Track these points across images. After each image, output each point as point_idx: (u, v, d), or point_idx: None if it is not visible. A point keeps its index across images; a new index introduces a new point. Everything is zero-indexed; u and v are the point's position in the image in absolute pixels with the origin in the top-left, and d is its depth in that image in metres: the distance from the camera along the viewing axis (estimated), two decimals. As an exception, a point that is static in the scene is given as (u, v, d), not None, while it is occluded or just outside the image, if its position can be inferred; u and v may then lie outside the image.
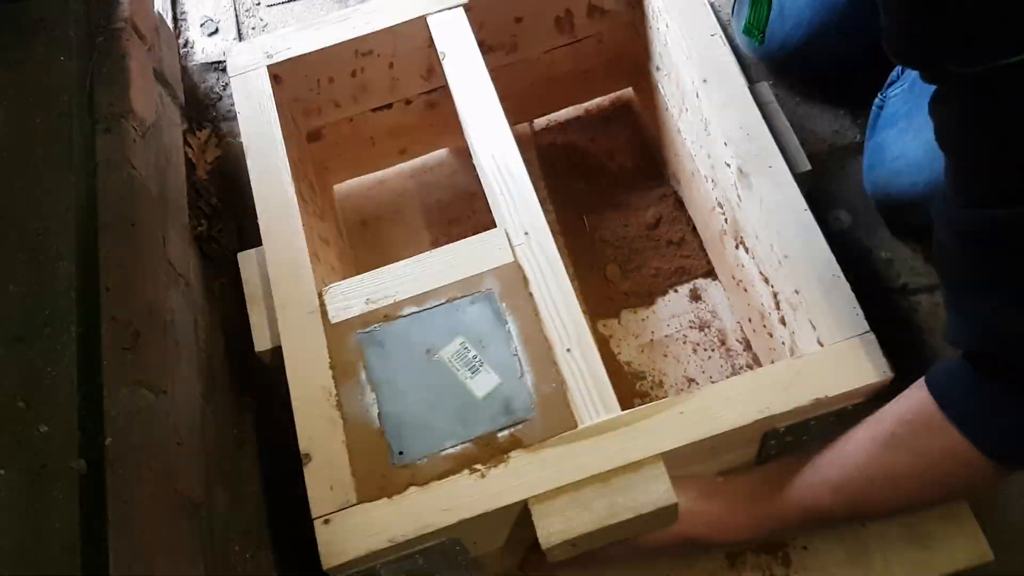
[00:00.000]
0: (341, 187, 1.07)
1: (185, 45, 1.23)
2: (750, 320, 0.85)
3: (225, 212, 1.07)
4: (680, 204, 0.98)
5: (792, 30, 0.97)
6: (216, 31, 1.24)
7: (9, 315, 0.76)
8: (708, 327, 0.91)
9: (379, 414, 0.70)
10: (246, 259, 0.81)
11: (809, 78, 1.06)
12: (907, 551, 0.78)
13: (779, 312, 0.76)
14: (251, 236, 0.85)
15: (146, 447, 0.74)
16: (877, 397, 0.68)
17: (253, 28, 1.25)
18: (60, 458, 0.70)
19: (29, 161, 0.84)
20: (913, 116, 0.87)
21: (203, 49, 1.23)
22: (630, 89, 1.08)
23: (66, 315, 0.76)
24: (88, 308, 0.78)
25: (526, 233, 0.76)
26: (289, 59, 0.88)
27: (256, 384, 0.97)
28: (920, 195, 0.84)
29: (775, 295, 0.76)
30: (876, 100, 0.92)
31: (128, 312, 0.80)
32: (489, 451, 0.67)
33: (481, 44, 0.89)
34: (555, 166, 1.04)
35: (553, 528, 0.64)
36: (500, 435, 0.68)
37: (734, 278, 0.86)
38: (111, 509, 0.70)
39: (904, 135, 0.87)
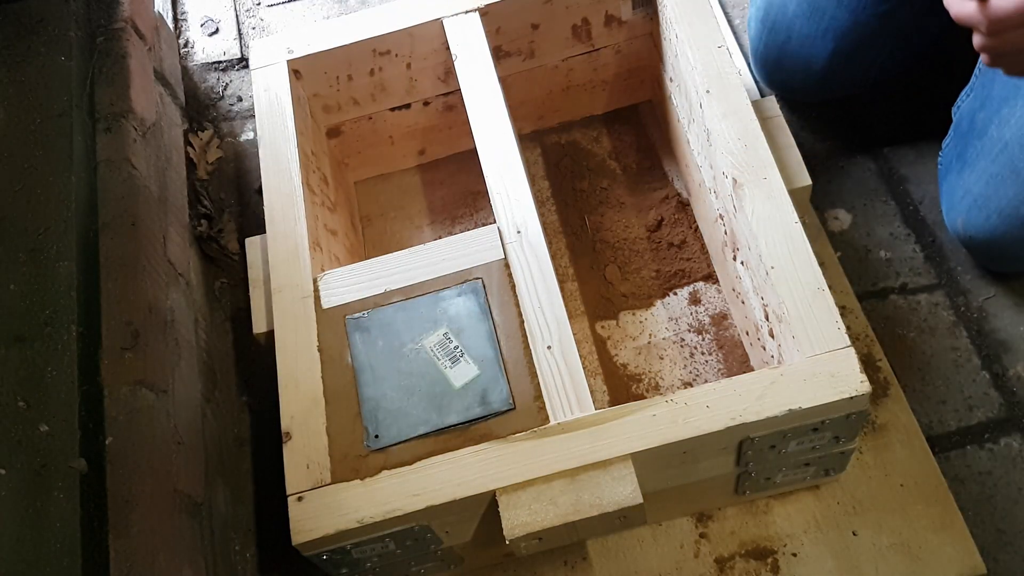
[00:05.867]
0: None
1: (185, 45, 1.23)
2: (747, 333, 0.86)
3: (225, 212, 1.08)
4: (682, 207, 0.98)
5: (809, 60, 0.97)
6: (216, 31, 1.24)
7: (9, 315, 0.76)
8: (706, 331, 0.91)
9: (359, 398, 0.72)
10: (252, 244, 0.84)
11: (819, 102, 1.07)
12: (898, 561, 0.78)
13: (768, 324, 0.76)
14: (251, 235, 0.86)
15: (146, 447, 0.75)
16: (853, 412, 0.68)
17: (253, 28, 1.25)
18: (60, 458, 0.70)
19: (29, 161, 0.84)
20: (965, 155, 0.88)
21: (203, 49, 1.23)
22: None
23: (66, 315, 0.76)
24: (88, 308, 0.79)
25: (519, 232, 0.77)
26: (309, 55, 0.91)
27: (256, 384, 0.97)
28: (994, 228, 0.86)
29: (765, 307, 0.76)
30: (939, 159, 0.94)
31: (128, 312, 0.80)
32: (462, 440, 0.69)
33: (498, 49, 0.90)
34: (559, 166, 1.04)
35: (518, 520, 0.65)
36: (474, 425, 0.70)
37: (734, 290, 0.86)
38: (111, 509, 0.71)
39: (962, 175, 0.89)
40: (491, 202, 0.80)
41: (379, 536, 0.68)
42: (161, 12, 1.15)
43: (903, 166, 1.02)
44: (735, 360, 0.89)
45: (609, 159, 1.04)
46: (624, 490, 0.65)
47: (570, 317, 0.74)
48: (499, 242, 0.77)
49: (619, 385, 0.89)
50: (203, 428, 0.86)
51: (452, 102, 1.00)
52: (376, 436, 0.70)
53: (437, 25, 0.90)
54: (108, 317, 0.79)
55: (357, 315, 0.76)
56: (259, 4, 1.27)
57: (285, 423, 0.71)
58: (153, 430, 0.76)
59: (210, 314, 0.99)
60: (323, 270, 0.80)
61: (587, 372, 0.78)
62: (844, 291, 0.92)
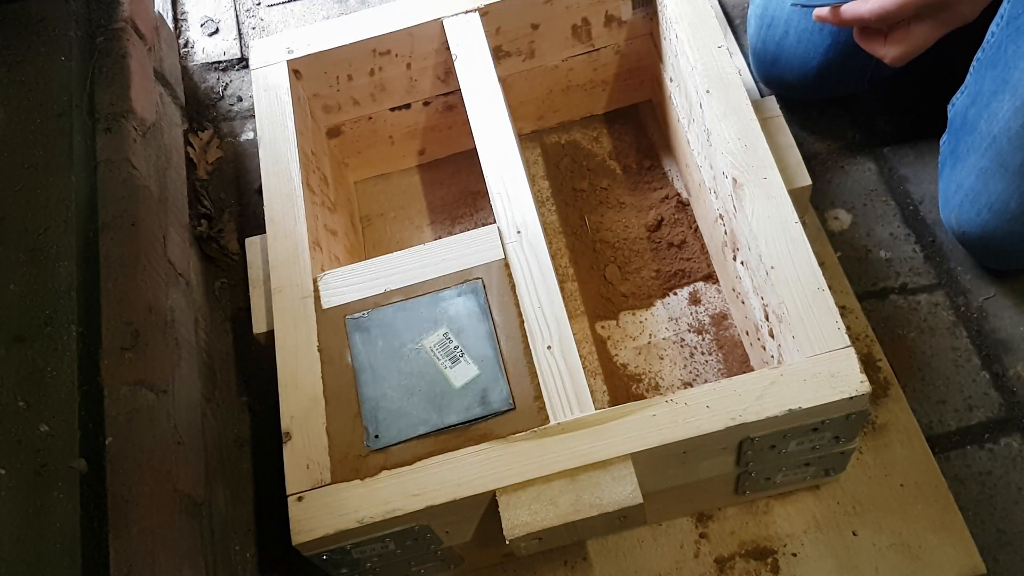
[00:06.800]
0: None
1: (185, 45, 1.23)
2: (747, 333, 0.86)
3: (225, 212, 1.08)
4: (682, 206, 0.98)
5: (806, 56, 0.97)
6: (216, 31, 1.24)
7: (9, 315, 0.76)
8: (706, 331, 0.91)
9: (359, 398, 0.72)
10: (252, 244, 0.84)
11: (818, 100, 1.07)
12: (898, 561, 0.78)
13: (768, 324, 0.76)
14: (251, 235, 0.86)
15: (147, 447, 0.75)
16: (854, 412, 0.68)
17: (253, 28, 1.25)
18: (60, 458, 0.70)
19: (29, 161, 0.84)
20: (958, 151, 0.89)
21: (203, 49, 1.23)
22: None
23: (66, 315, 0.76)
24: (88, 308, 0.79)
25: (519, 232, 0.77)
26: (309, 55, 0.91)
27: (256, 384, 0.97)
28: (985, 222, 0.86)
29: (765, 307, 0.76)
30: (939, 157, 0.95)
31: (128, 312, 0.80)
32: (462, 440, 0.69)
33: (498, 49, 0.90)
34: (559, 166, 1.04)
35: (518, 520, 0.65)
36: (474, 425, 0.70)
37: (734, 290, 0.86)
38: (111, 509, 0.71)
39: (955, 171, 0.89)
40: (491, 202, 0.80)
41: (379, 536, 0.68)
42: (161, 12, 1.15)
43: (903, 166, 1.02)
44: (735, 360, 0.89)
45: (609, 159, 1.04)
46: (624, 490, 0.65)
47: (570, 317, 0.74)
48: (499, 242, 0.77)
49: (619, 385, 0.89)
50: (203, 428, 0.86)
51: (452, 102, 1.00)
52: (376, 436, 0.70)
53: (437, 25, 0.91)
54: (108, 317, 0.79)
55: (357, 315, 0.76)
56: (259, 4, 1.27)
57: (285, 423, 0.71)
58: (153, 430, 0.76)
59: (210, 314, 0.99)
60: (323, 270, 0.80)
61: (587, 372, 0.78)
62: (844, 291, 0.92)
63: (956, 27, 0.76)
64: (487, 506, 0.68)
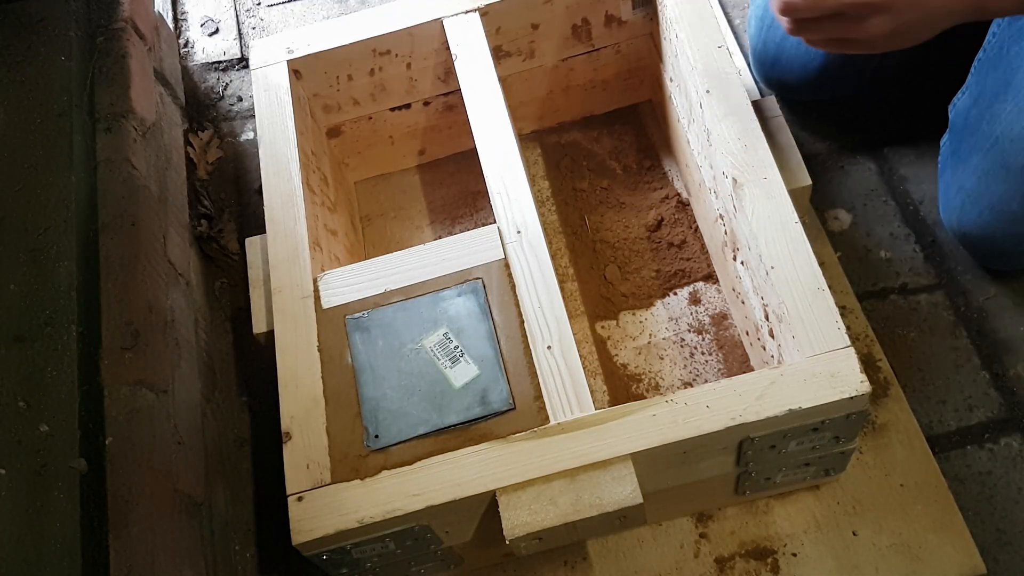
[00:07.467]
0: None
1: (185, 45, 1.23)
2: (747, 333, 0.86)
3: (225, 212, 1.08)
4: (682, 206, 0.98)
5: (806, 57, 0.97)
6: (216, 31, 1.24)
7: (9, 315, 0.76)
8: (706, 331, 0.91)
9: (359, 398, 0.72)
10: (252, 244, 0.84)
11: (818, 100, 1.07)
12: (898, 561, 0.78)
13: (768, 324, 0.76)
14: (251, 235, 0.86)
15: (147, 447, 0.75)
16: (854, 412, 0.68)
17: (253, 28, 1.25)
18: (60, 458, 0.70)
19: (29, 161, 0.84)
20: (959, 152, 0.89)
21: (203, 49, 1.23)
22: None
23: (66, 315, 0.76)
24: (88, 308, 0.79)
25: (519, 232, 0.77)
26: (309, 55, 0.91)
27: (256, 384, 0.97)
28: (986, 223, 0.86)
29: (765, 307, 0.76)
30: (939, 158, 0.95)
31: (128, 312, 0.80)
32: (461, 440, 0.69)
33: (498, 49, 0.89)
34: (559, 166, 1.04)
35: (518, 520, 0.65)
36: (474, 425, 0.70)
37: (734, 290, 0.87)
38: (111, 509, 0.71)
39: (956, 172, 0.89)
40: (491, 202, 0.80)
41: (379, 536, 0.68)
42: (161, 12, 1.15)
43: (903, 166, 1.02)
44: (735, 360, 0.89)
45: (609, 159, 1.04)
46: (624, 490, 0.65)
47: (570, 317, 0.74)
48: (499, 242, 0.77)
49: (619, 385, 0.89)
50: (203, 428, 0.86)
51: (452, 102, 1.00)
52: (376, 436, 0.70)
53: (437, 25, 0.91)
54: (108, 317, 0.79)
55: (357, 315, 0.76)
56: (259, 4, 1.27)
57: (285, 423, 0.71)
58: (153, 430, 0.76)
59: (210, 314, 0.99)
60: (323, 270, 0.80)
61: (587, 372, 0.78)
62: (844, 291, 0.92)
63: (915, 31, 0.72)
64: (487, 506, 0.68)
